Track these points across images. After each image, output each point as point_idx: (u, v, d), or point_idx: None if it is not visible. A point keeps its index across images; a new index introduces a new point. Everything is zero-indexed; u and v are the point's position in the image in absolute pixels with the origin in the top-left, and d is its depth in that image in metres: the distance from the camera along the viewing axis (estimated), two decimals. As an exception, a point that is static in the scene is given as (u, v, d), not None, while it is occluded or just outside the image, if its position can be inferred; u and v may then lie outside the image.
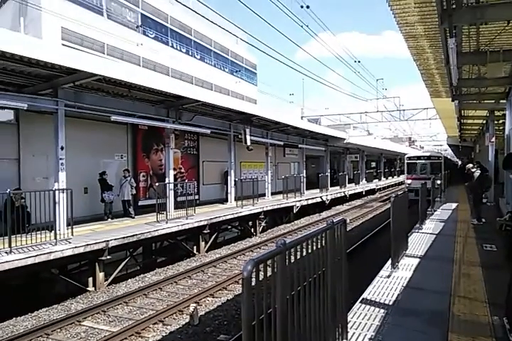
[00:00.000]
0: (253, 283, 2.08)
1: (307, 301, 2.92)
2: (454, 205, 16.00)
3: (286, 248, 2.47)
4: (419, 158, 27.53)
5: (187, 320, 8.01)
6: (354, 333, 4.09)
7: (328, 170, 30.62)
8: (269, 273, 2.31)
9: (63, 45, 18.49)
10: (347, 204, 29.70)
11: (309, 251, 2.98)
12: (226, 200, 18.95)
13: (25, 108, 10.07)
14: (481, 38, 8.75)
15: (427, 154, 28.18)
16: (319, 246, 3.13)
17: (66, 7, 20.91)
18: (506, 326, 3.98)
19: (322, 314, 3.14)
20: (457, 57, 8.14)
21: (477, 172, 11.55)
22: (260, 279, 2.22)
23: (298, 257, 2.81)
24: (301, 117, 36.15)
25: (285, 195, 20.72)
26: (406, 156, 28.98)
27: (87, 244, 9.54)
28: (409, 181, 26.82)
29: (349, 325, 4.26)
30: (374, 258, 9.90)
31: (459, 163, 50.05)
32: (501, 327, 4.08)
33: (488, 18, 6.84)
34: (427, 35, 8.72)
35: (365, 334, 4.05)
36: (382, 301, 5.05)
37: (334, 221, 3.34)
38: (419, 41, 9.11)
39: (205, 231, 13.99)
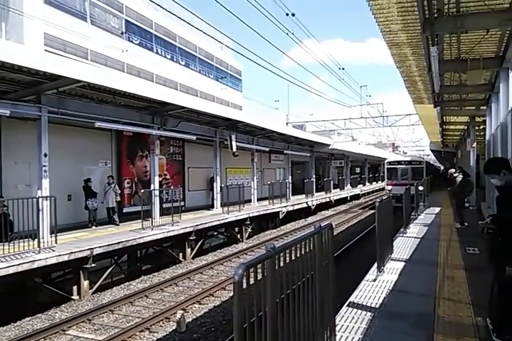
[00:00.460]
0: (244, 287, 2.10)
1: (296, 304, 2.94)
2: (437, 209, 16.23)
3: (276, 252, 2.50)
4: (399, 162, 27.02)
5: (174, 327, 7.95)
6: (342, 336, 4.12)
7: (314, 176, 30.80)
8: (259, 277, 2.34)
9: (46, 50, 18.34)
10: (332, 209, 29.89)
11: (298, 255, 3.02)
12: (212, 206, 18.90)
13: (7, 114, 9.92)
14: (462, 46, 8.99)
15: (408, 159, 27.74)
16: (307, 250, 3.16)
17: (49, 12, 20.75)
18: (489, 326, 4.05)
19: (311, 317, 3.16)
20: (439, 65, 8.33)
21: (459, 177, 11.77)
22: (251, 283, 2.24)
23: (287, 261, 2.83)
24: (287, 123, 36.37)
25: (271, 201, 20.77)
26: (386, 161, 28.34)
27: (71, 252, 9.40)
28: (389, 187, 25.75)
29: (337, 328, 4.29)
30: (360, 263, 9.98)
31: (442, 168, 50.91)
32: (485, 328, 4.16)
33: (468, 26, 7.03)
34: (409, 43, 8.92)
35: (353, 337, 4.08)
36: (368, 304, 5.10)
37: (322, 225, 3.38)
38: (402, 49, 9.30)
39: (191, 238, 13.91)
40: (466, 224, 11.24)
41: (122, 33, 24.70)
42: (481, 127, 17.75)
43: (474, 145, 15.94)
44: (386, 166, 27.50)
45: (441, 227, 11.63)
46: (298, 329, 2.94)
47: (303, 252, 3.09)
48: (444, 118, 18.82)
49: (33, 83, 10.38)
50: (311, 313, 3.16)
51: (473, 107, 14.70)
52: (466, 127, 19.90)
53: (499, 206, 3.95)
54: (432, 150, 43.91)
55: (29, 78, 10.03)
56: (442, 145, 32.54)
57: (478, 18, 6.76)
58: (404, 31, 8.04)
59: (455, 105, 14.93)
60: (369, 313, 4.79)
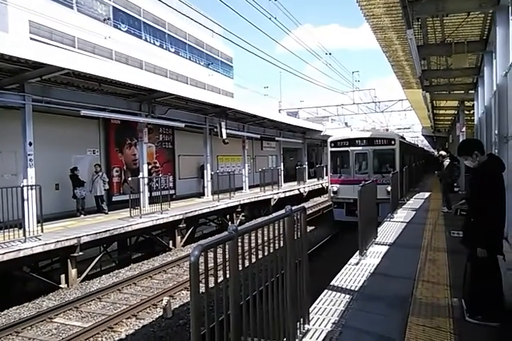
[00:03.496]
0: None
1: (264, 293, 2.94)
2: (427, 194, 16.33)
3: (239, 234, 2.47)
4: (352, 142, 16.26)
5: (161, 314, 8.00)
6: (318, 318, 4.15)
7: (306, 163, 30.80)
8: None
9: (31, 38, 18.03)
10: (325, 195, 30.00)
11: (265, 239, 3.00)
12: (203, 194, 18.89)
13: (-11, 103, 9.79)
14: (446, 29, 8.92)
15: (366, 135, 16.72)
16: (276, 234, 3.15)
17: (34, 0, 20.33)
18: (464, 307, 4.10)
19: (281, 306, 3.15)
20: (421, 49, 8.28)
21: (446, 161, 11.80)
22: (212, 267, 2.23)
23: (252, 245, 2.83)
24: (279, 110, 36.21)
25: (262, 188, 20.79)
26: (329, 140, 17.31)
27: (58, 241, 9.38)
28: (335, 187, 16.12)
29: (314, 311, 4.34)
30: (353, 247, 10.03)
31: (435, 153, 51.00)
32: (459, 308, 4.21)
33: (449, 9, 6.97)
34: (394, 27, 8.84)
35: (329, 319, 4.11)
36: (348, 287, 5.14)
37: (293, 208, 3.36)
38: (386, 33, 9.22)
39: (180, 226, 13.93)
40: (452, 207, 11.31)
41: (105, 20, 24.25)
42: (471, 111, 17.76)
43: (463, 129, 15.98)
44: (330, 149, 16.91)
45: (428, 212, 11.71)
46: (266, 311, 2.95)
47: (271, 236, 3.08)
48: (434, 102, 18.80)
49: (15, 71, 10.23)
50: (280, 302, 3.14)
51: (462, 91, 14.70)
52: (456, 112, 19.91)
53: (471, 188, 3.96)
54: (425, 136, 44.03)
55: (11, 66, 9.88)
56: (434, 131, 32.57)
57: (459, 1, 6.68)
58: (388, 15, 7.95)
59: (444, 89, 14.91)
60: (348, 296, 4.83)
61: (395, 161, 15.27)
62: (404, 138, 21.26)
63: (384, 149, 15.63)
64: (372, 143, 15.81)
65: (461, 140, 16.57)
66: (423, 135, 43.59)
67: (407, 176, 13.74)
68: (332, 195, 16.18)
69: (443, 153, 12.61)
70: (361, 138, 16.24)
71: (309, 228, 16.45)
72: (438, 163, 14.19)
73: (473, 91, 14.12)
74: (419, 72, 10.12)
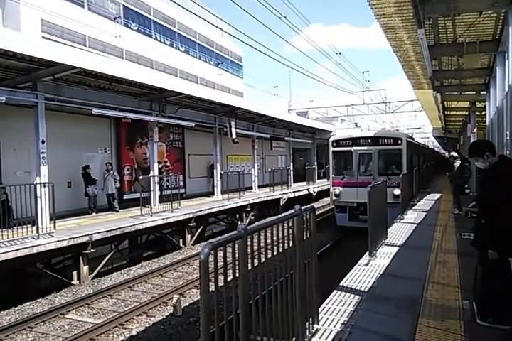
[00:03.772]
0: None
1: (273, 293, 2.95)
2: (437, 196, 16.20)
3: (248, 233, 2.50)
4: (355, 142, 15.17)
5: (171, 311, 8.06)
6: (328, 318, 4.16)
7: (316, 163, 30.71)
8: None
9: (43, 37, 18.19)
10: (334, 196, 29.86)
11: (275, 238, 3.02)
12: (212, 193, 18.96)
13: (3, 101, 9.92)
14: (458, 29, 8.83)
15: (372, 134, 15.85)
16: (285, 234, 3.17)
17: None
18: (474, 309, 4.08)
19: (290, 305, 3.17)
20: (432, 48, 8.21)
21: (457, 163, 11.70)
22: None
23: (262, 244, 2.84)
24: (289, 110, 36.14)
25: (272, 188, 20.79)
26: (331, 139, 16.21)
27: (70, 238, 9.50)
28: (337, 190, 15.01)
29: (324, 311, 4.35)
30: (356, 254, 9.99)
31: (446, 154, 50.52)
32: (470, 311, 4.18)
33: (460, 9, 6.90)
34: (404, 27, 8.77)
35: (338, 319, 4.12)
36: (358, 288, 5.14)
37: (302, 208, 3.38)
38: (397, 32, 9.16)
39: (190, 225, 14.01)
40: (463, 209, 11.21)
41: (115, 18, 24.39)
42: (483, 113, 17.57)
43: (475, 130, 15.81)
44: (331, 149, 15.76)
45: (439, 213, 11.62)
46: (275, 310, 2.96)
47: (280, 236, 3.10)
48: (445, 103, 18.63)
49: (28, 70, 10.38)
50: (289, 302, 3.15)
51: (474, 92, 14.54)
52: (467, 113, 19.70)
53: (482, 189, 3.93)
54: (435, 137, 43.63)
55: (25, 65, 10.03)
56: (444, 132, 32.24)
57: (471, 0, 6.62)
58: (399, 14, 7.90)
59: (455, 90, 14.77)
60: (357, 296, 4.83)
61: (401, 162, 14.15)
62: (412, 138, 20.23)
63: (390, 149, 14.52)
64: (378, 142, 14.68)
65: (472, 141, 16.42)
66: (434, 136, 43.20)
67: (416, 178, 13.05)
68: (334, 198, 15.08)
69: (454, 154, 12.49)
70: (365, 138, 15.15)
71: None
72: (449, 165, 13.78)
73: (484, 92, 13.97)
74: (430, 72, 10.04)
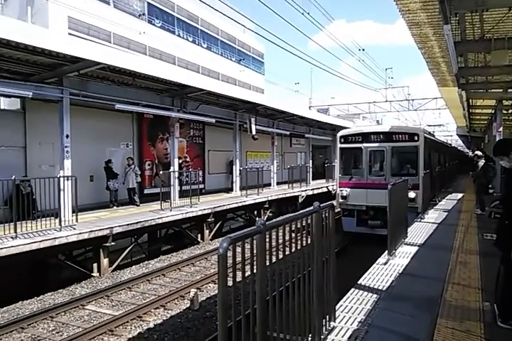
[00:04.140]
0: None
1: (291, 289, 2.95)
2: (459, 195, 15.91)
3: (266, 228, 2.50)
4: (367, 137, 13.57)
5: (188, 305, 8.16)
6: (345, 316, 4.15)
7: (336, 161, 30.44)
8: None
9: (70, 34, 18.55)
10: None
11: (293, 234, 3.03)
12: (231, 189, 19.04)
13: (30, 96, 10.17)
14: (485, 24, 8.61)
15: (384, 129, 14.16)
16: (303, 231, 3.16)
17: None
18: (496, 311, 4.00)
19: (308, 295, 3.18)
20: (458, 45, 8.03)
21: (481, 162, 11.45)
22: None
23: (280, 240, 2.84)
24: (309, 107, 35.94)
25: (290, 185, 20.75)
26: (339, 134, 14.51)
27: (91, 231, 9.70)
28: (344, 191, 13.48)
29: (340, 309, 4.33)
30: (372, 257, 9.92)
31: (470, 153, 49.39)
32: (491, 313, 4.11)
33: (489, 4, 6.72)
34: (430, 23, 8.61)
35: (355, 318, 4.11)
36: (376, 287, 5.10)
37: (321, 205, 3.37)
38: (422, 29, 8.99)
39: (209, 220, 14.11)
40: (486, 209, 10.98)
41: (140, 15, 24.67)
42: (510, 111, 17.11)
43: (500, 129, 15.39)
44: (338, 145, 14.35)
45: (461, 213, 11.41)
46: (292, 313, 2.95)
47: (298, 232, 3.10)
48: (470, 101, 18.20)
49: (54, 65, 10.60)
50: (307, 299, 3.15)
51: (501, 90, 14.13)
52: (493, 111, 19.21)
53: (507, 189, 3.84)
54: (459, 135, 42.74)
55: (51, 60, 10.24)
56: (469, 130, 31.52)
57: (500, -5, 6.45)
58: (424, 10, 7.75)
59: (481, 87, 14.40)
60: (375, 295, 4.79)
61: (418, 161, 12.60)
62: (432, 135, 18.88)
63: (405, 146, 12.94)
64: (391, 138, 13.03)
65: (497, 140, 16.01)
66: (458, 135, 42.32)
67: (436, 179, 12.02)
68: (341, 200, 13.45)
69: (478, 153, 12.23)
70: (377, 133, 13.46)
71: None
72: (472, 164, 13.17)
73: (512, 90, 13.61)
74: (456, 69, 9.81)
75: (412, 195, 10.88)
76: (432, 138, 16.54)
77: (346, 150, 14.04)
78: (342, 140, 14.01)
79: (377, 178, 12.95)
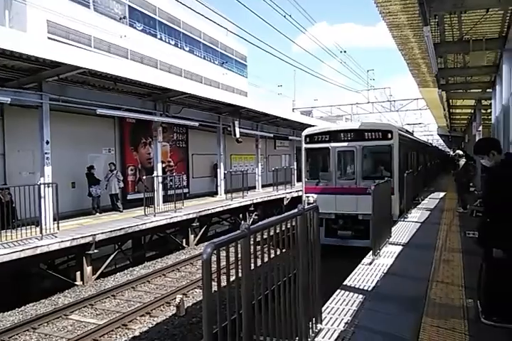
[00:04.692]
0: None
1: (276, 287, 2.93)
2: (442, 194, 16.13)
3: (251, 232, 2.48)
4: (334, 136, 12.01)
5: (174, 312, 8.06)
6: (331, 318, 4.14)
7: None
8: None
9: (49, 38, 18.28)
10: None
11: (278, 237, 3.00)
12: (216, 193, 18.95)
13: (8, 102, 9.96)
14: (464, 26, 8.78)
15: (354, 126, 12.57)
16: (288, 233, 3.15)
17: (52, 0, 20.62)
18: (479, 308, 4.04)
19: (294, 298, 3.15)
20: (437, 46, 8.16)
21: (462, 161, 11.65)
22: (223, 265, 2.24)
23: (265, 244, 2.83)
24: (293, 109, 36.10)
25: (275, 187, 20.77)
26: (304, 133, 12.80)
27: (74, 238, 9.52)
28: (311, 197, 11.98)
29: (327, 311, 4.33)
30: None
31: (452, 153, 50.17)
32: (474, 309, 4.15)
33: (467, 6, 6.85)
34: (410, 25, 8.72)
35: (342, 319, 4.10)
36: (361, 287, 5.11)
37: (305, 207, 3.36)
38: (402, 30, 9.11)
39: (194, 224, 14.02)
40: (468, 207, 11.16)
41: (121, 19, 24.49)
42: (488, 111, 17.45)
43: (480, 128, 15.71)
44: (304, 146, 12.78)
45: (443, 212, 11.58)
46: (278, 316, 2.92)
47: (283, 235, 3.08)
48: (450, 101, 18.53)
49: (33, 70, 10.40)
50: (292, 302, 3.13)
51: (479, 90, 14.43)
52: (472, 111, 19.59)
53: (487, 187, 3.90)
54: (440, 135, 43.43)
55: (30, 65, 10.04)
56: (449, 130, 32.07)
57: (478, -3, 6.57)
58: (404, 12, 7.86)
59: (460, 88, 14.68)
60: (361, 296, 4.81)
61: (392, 162, 11.21)
62: (410, 133, 17.55)
63: (377, 145, 11.57)
64: (362, 137, 11.56)
65: (477, 139, 16.31)
66: (438, 134, 43.01)
67: (409, 185, 10.36)
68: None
69: (460, 152, 12.45)
70: (346, 131, 12.00)
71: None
72: (454, 163, 13.18)
73: (490, 90, 13.87)
74: (436, 70, 9.96)
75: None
76: (409, 135, 15.42)
77: (312, 151, 12.60)
78: (307, 139, 12.54)
79: (346, 182, 11.64)
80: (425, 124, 46.11)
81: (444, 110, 20.07)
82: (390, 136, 11.28)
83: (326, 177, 12.02)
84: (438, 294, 4.75)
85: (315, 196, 11.78)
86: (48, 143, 10.78)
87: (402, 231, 8.67)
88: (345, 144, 11.77)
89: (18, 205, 9.13)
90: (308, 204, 9.58)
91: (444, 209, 12.15)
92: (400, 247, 7.22)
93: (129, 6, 25.61)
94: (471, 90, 15.17)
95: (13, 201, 9.64)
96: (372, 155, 11.89)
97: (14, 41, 8.62)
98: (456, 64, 11.97)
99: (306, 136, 12.51)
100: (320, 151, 12.31)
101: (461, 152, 12.41)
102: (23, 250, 8.39)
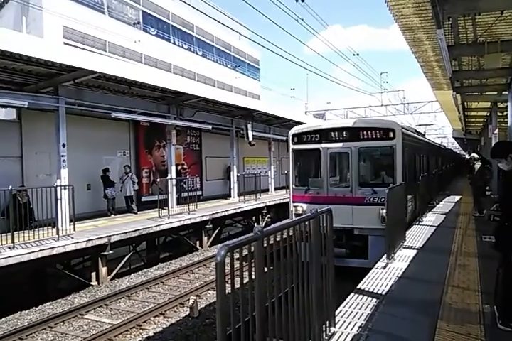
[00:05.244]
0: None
1: (290, 290, 2.95)
2: (457, 198, 15.93)
3: (264, 235, 2.50)
4: (326, 135, 10.21)
5: (187, 313, 8.11)
6: (345, 321, 4.13)
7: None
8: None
9: (65, 43, 18.61)
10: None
11: (291, 241, 3.02)
12: (229, 196, 19.04)
13: (26, 106, 10.18)
14: (478, 28, 8.68)
15: (348, 124, 10.24)
16: (301, 236, 3.16)
17: (67, 6, 20.99)
18: (496, 314, 3.99)
19: (307, 301, 3.16)
20: (451, 49, 8.08)
21: (478, 165, 11.50)
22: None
23: (279, 247, 2.84)
24: (306, 112, 36.05)
25: (288, 190, 20.69)
26: (291, 132, 11.08)
27: (89, 239, 9.66)
28: (299, 207, 10.25)
29: (340, 314, 4.31)
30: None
31: (467, 156, 49.37)
32: (491, 315, 4.10)
33: (481, 8, 6.78)
34: (423, 27, 8.66)
35: (356, 323, 4.09)
36: (375, 291, 5.08)
37: (319, 210, 3.37)
38: (416, 33, 9.04)
39: (207, 227, 14.08)
40: (484, 212, 11.00)
41: (135, 24, 24.80)
42: (505, 113, 17.18)
43: (496, 131, 15.46)
44: (291, 147, 10.99)
45: (459, 216, 11.42)
46: (291, 319, 2.93)
47: (297, 238, 3.10)
48: (465, 104, 18.30)
49: (50, 75, 10.62)
50: (306, 305, 3.14)
51: (495, 92, 14.22)
52: (488, 113, 19.32)
53: (505, 191, 3.85)
54: (455, 138, 42.88)
55: (47, 70, 10.25)
56: (464, 133, 31.64)
57: (492, -1, 6.51)
58: (417, 15, 7.80)
59: (475, 90, 14.49)
60: (375, 300, 4.78)
61: (395, 166, 9.43)
62: (419, 133, 15.88)
63: (376, 147, 9.81)
64: (358, 136, 9.72)
65: (493, 142, 16.05)
66: (453, 137, 42.45)
67: (419, 191, 9.32)
68: (294, 216, 10.16)
69: (475, 155, 12.31)
70: (340, 129, 10.05)
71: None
72: (469, 166, 12.50)
73: (506, 92, 13.64)
74: (450, 72, 9.86)
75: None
76: (417, 136, 13.43)
77: (301, 153, 10.79)
78: (295, 139, 10.73)
79: (340, 190, 9.87)
80: (440, 127, 45.60)
81: (459, 113, 19.82)
82: (391, 135, 9.48)
83: (316, 184, 10.22)
84: (453, 299, 4.70)
85: (304, 206, 10.07)
86: (64, 146, 10.98)
87: (417, 235, 8.58)
88: (339, 145, 10.00)
89: (36, 207, 9.31)
90: (296, 215, 8.89)
91: (460, 213, 11.99)
92: (415, 251, 7.15)
93: (143, 11, 25.93)
94: (487, 93, 14.94)
95: (31, 202, 9.84)
96: (371, 158, 10.23)
97: (32, 47, 8.82)
98: (470, 66, 11.84)
99: (294, 136, 10.78)
100: (309, 153, 10.55)
101: (476, 155, 12.27)
102: (40, 250, 8.55)
